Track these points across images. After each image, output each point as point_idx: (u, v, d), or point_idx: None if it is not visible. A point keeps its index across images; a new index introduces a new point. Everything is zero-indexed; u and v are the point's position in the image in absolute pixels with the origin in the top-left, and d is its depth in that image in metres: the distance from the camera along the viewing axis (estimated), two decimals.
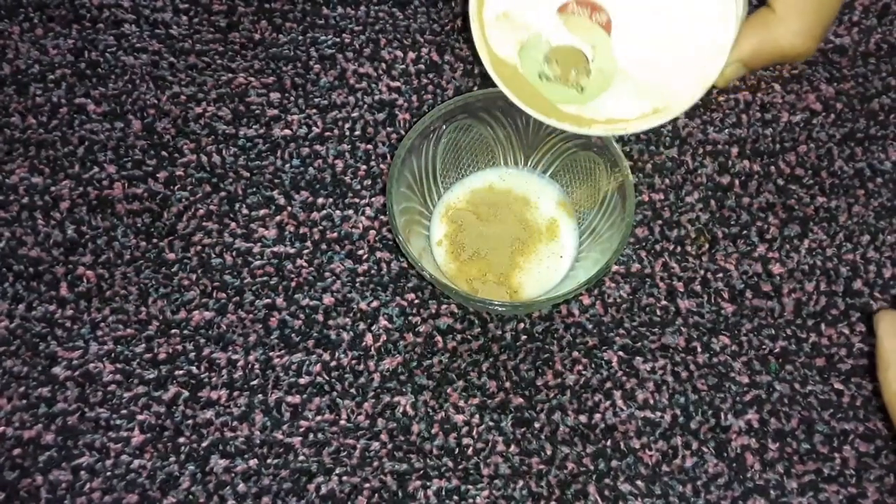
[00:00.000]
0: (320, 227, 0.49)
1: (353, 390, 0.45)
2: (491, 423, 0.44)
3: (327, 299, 0.47)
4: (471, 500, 0.43)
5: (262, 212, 0.49)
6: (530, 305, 0.45)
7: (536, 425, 0.44)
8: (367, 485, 0.43)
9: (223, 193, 0.49)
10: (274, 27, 0.54)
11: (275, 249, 0.48)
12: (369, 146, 0.51)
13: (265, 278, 0.47)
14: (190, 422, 0.44)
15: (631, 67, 0.33)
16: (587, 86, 0.35)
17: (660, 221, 0.49)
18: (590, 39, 0.33)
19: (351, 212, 0.49)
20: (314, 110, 0.52)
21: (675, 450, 0.44)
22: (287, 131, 0.51)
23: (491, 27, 0.35)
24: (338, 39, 0.54)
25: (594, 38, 0.33)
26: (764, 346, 0.46)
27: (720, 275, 0.48)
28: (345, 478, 0.43)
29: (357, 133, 0.51)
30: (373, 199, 0.50)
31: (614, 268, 0.48)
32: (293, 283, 0.47)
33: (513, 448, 0.44)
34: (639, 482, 0.43)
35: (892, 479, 0.43)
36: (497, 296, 0.45)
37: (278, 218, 0.49)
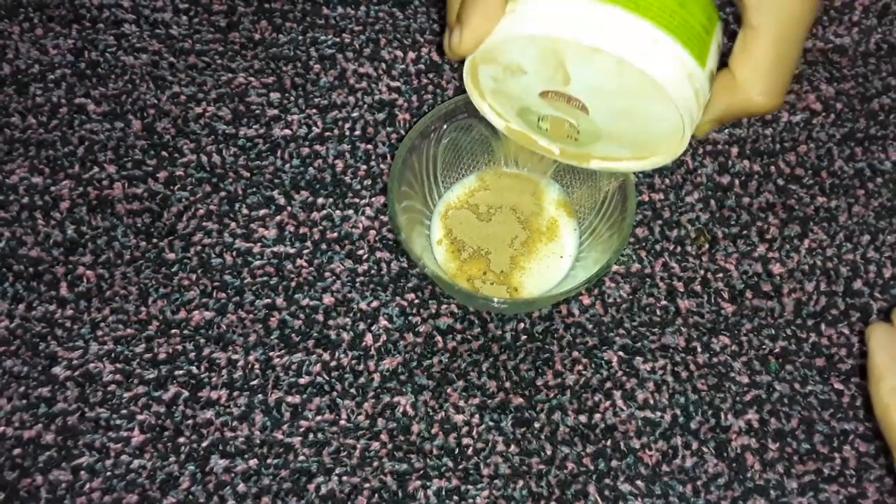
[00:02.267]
0: (320, 227, 0.49)
1: (353, 390, 0.45)
2: (491, 423, 0.44)
3: (327, 299, 0.47)
4: (471, 501, 0.43)
5: (262, 212, 0.49)
6: (531, 304, 0.45)
7: (536, 425, 0.44)
8: (367, 485, 0.43)
9: (223, 193, 0.49)
10: (274, 27, 0.54)
11: (275, 249, 0.48)
12: (369, 146, 0.51)
13: (265, 278, 0.47)
14: (190, 422, 0.44)
15: (613, 134, 0.37)
16: (579, 139, 0.39)
17: (660, 221, 0.49)
18: (572, 115, 0.37)
19: (351, 212, 0.49)
20: (314, 110, 0.52)
21: (675, 450, 0.44)
22: (287, 131, 0.51)
23: (488, 95, 0.39)
24: (338, 39, 0.54)
25: (575, 115, 0.37)
26: (764, 346, 0.46)
27: (720, 275, 0.47)
28: (345, 478, 0.43)
29: (357, 133, 0.51)
30: (373, 199, 0.49)
31: (614, 268, 0.48)
32: (293, 283, 0.47)
33: (513, 448, 0.44)
34: (639, 482, 0.43)
35: (892, 479, 0.43)
36: (497, 295, 0.45)
37: (278, 218, 0.49)
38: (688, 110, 0.33)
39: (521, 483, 0.43)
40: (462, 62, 0.37)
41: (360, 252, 0.48)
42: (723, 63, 0.35)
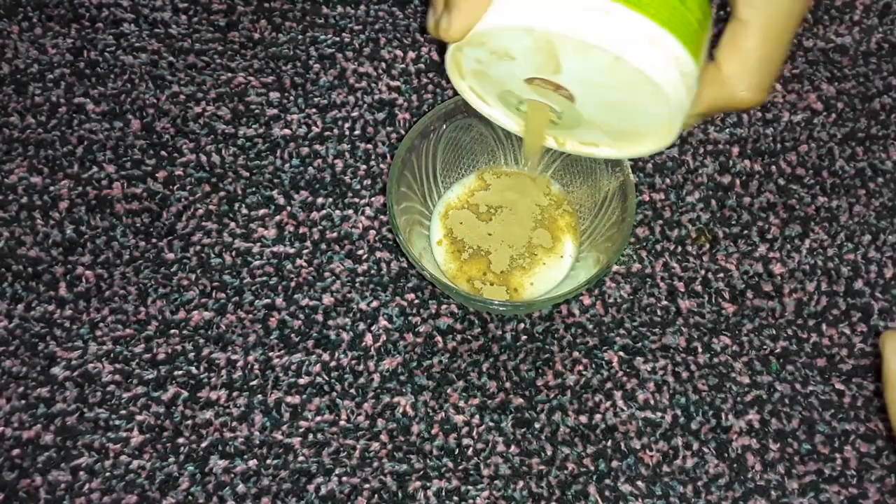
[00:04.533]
0: (320, 227, 0.49)
1: (352, 391, 0.45)
2: (491, 424, 0.44)
3: (327, 299, 0.47)
4: (471, 501, 0.42)
5: (261, 211, 0.49)
6: (531, 305, 0.45)
7: (537, 426, 0.44)
8: (366, 485, 0.43)
9: (222, 193, 0.49)
10: (273, 26, 0.54)
11: (274, 249, 0.48)
12: (369, 146, 0.51)
13: (265, 278, 0.47)
14: (189, 422, 0.44)
15: (597, 123, 0.37)
16: (560, 124, 0.38)
17: (660, 221, 0.49)
18: (556, 102, 0.36)
19: (351, 211, 0.49)
20: (314, 110, 0.52)
21: (676, 450, 0.44)
22: (287, 131, 0.51)
23: (469, 77, 0.38)
24: (337, 39, 0.54)
25: (560, 102, 0.36)
26: (765, 347, 0.46)
27: (721, 275, 0.47)
28: (344, 478, 0.43)
29: (357, 133, 0.51)
30: (373, 198, 0.49)
31: (615, 268, 0.47)
32: (293, 283, 0.47)
33: (513, 448, 0.44)
34: (639, 483, 0.43)
35: (893, 479, 0.43)
36: (497, 295, 0.45)
37: (278, 218, 0.49)
38: (679, 107, 0.33)
39: (521, 484, 0.43)
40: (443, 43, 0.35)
41: (360, 252, 0.48)
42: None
